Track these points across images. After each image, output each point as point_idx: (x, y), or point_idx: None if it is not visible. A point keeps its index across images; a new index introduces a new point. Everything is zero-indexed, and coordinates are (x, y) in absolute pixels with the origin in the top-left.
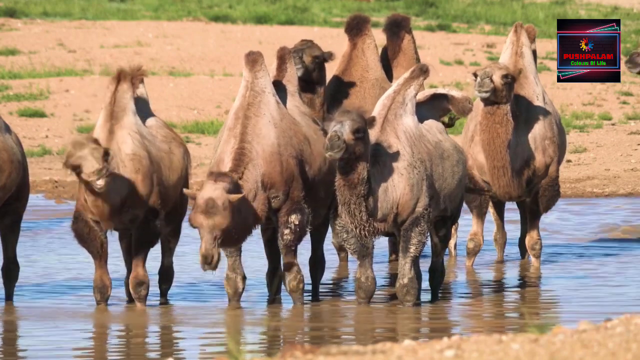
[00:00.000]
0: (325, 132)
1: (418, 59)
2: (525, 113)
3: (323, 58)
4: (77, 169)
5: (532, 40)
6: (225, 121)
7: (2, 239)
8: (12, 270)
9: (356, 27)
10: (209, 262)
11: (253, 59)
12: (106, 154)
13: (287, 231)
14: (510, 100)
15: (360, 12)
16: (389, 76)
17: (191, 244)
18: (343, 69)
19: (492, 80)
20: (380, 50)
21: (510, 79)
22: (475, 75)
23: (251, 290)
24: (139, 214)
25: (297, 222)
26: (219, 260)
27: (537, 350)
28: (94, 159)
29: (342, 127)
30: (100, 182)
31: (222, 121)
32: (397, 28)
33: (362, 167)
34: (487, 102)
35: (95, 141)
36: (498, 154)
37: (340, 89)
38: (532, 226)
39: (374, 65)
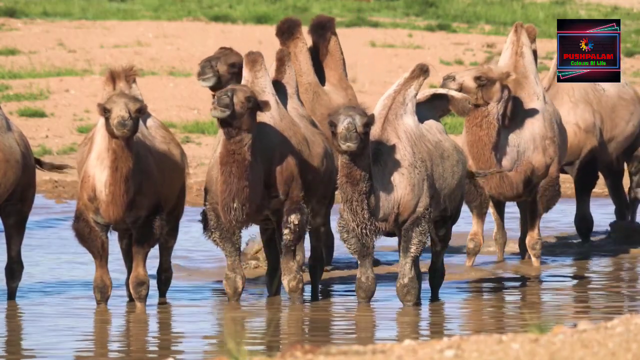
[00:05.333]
0: (333, 126)
1: (344, 60)
2: (526, 113)
3: (240, 66)
4: (107, 113)
5: (533, 40)
6: None
7: (6, 239)
8: (15, 270)
9: (287, 31)
10: None
11: (253, 59)
12: (139, 111)
13: (286, 231)
14: (490, 102)
15: (324, 14)
16: (320, 78)
17: (189, 243)
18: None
19: (457, 82)
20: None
21: (485, 81)
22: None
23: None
24: (142, 214)
25: (296, 222)
26: None
27: (537, 350)
28: (125, 107)
29: (354, 120)
30: (123, 130)
31: None
32: (322, 30)
33: (365, 164)
34: None
35: (137, 98)
36: (482, 156)
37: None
38: (533, 226)
39: (307, 69)
